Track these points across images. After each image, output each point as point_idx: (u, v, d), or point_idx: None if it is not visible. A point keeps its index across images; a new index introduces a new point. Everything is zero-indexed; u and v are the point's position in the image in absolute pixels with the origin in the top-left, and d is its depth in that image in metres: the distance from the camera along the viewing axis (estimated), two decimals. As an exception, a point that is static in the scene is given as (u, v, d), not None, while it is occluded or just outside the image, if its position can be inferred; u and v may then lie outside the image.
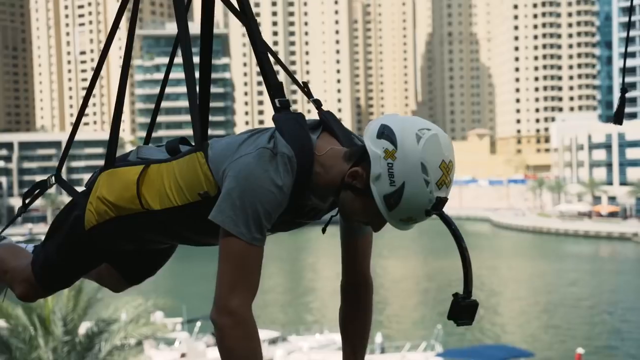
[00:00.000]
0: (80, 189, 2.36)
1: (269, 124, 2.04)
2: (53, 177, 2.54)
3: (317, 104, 2.26)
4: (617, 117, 2.38)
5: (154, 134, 2.60)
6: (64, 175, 2.46)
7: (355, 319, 2.37)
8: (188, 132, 2.24)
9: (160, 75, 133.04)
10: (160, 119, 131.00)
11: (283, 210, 2.02)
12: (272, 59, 2.24)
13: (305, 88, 2.32)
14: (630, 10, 2.52)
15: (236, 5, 2.30)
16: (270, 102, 2.19)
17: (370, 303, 2.38)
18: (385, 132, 1.95)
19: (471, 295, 2.00)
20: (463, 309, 1.99)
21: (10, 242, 2.79)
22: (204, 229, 2.09)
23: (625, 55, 2.36)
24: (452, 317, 1.99)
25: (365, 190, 1.98)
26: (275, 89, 2.17)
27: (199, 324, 33.48)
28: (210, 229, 2.01)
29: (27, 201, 2.55)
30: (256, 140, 2.03)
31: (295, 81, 2.37)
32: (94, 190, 2.32)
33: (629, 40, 2.42)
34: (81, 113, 2.58)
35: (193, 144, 2.19)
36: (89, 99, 2.60)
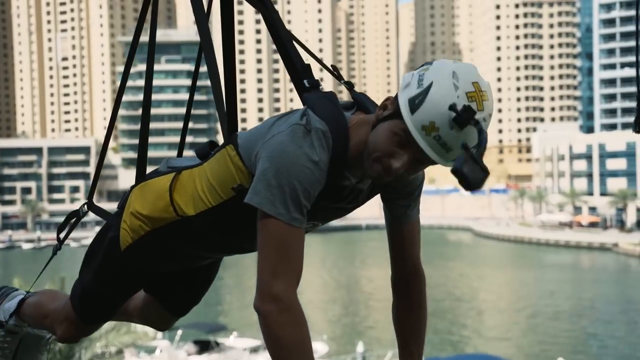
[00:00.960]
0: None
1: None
2: (85, 206, 2.47)
3: (350, 85, 2.21)
4: (637, 125, 2.31)
5: (135, 141, 2.52)
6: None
7: (410, 313, 2.26)
8: (170, 139, 2.23)
9: (143, 82, 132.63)
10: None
11: (322, 188, 1.91)
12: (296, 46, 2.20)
13: (335, 71, 2.24)
14: (637, 20, 2.39)
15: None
16: (295, 88, 2.12)
17: (424, 295, 2.28)
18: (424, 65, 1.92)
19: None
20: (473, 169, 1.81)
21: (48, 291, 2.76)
22: (243, 227, 2.03)
23: (638, 64, 2.30)
24: (467, 187, 1.83)
25: (392, 113, 1.89)
26: (303, 70, 2.10)
27: (180, 332, 33.31)
28: (250, 225, 1.93)
29: (61, 236, 2.48)
30: (288, 119, 1.94)
31: (324, 65, 2.26)
32: (126, 207, 2.27)
33: (623, 51, 2.39)
34: (109, 132, 2.54)
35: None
36: (117, 112, 2.56)
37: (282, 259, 1.83)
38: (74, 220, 2.47)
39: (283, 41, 2.17)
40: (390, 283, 2.31)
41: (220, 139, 2.13)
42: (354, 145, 1.94)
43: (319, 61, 2.28)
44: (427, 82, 1.83)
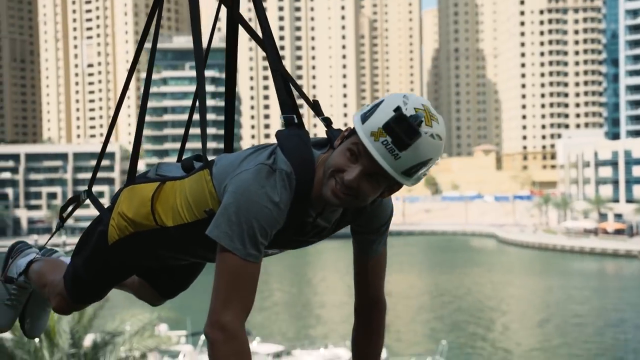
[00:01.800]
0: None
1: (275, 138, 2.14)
2: (85, 193, 2.63)
3: (327, 122, 2.22)
4: None
5: (160, 147, 2.62)
6: (70, 187, 2.63)
7: (367, 340, 2.35)
8: (195, 145, 2.33)
9: (167, 89, 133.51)
10: (167, 131, 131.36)
11: (281, 227, 2.00)
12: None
13: (315, 106, 2.26)
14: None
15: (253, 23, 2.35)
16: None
17: (382, 325, 2.36)
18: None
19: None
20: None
21: (59, 253, 2.94)
22: (212, 246, 2.07)
23: None
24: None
25: (348, 135, 1.97)
26: (282, 105, 2.17)
27: (203, 337, 33.45)
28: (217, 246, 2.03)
29: (64, 215, 2.68)
30: (257, 157, 2.04)
31: (305, 99, 2.31)
32: (116, 206, 2.40)
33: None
34: (111, 129, 2.69)
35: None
36: (118, 114, 2.69)
37: (234, 291, 1.94)
38: (74, 203, 2.67)
39: (272, 72, 2.23)
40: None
41: (243, 145, 2.26)
42: (317, 183, 2.01)
43: (302, 94, 2.30)
44: (379, 100, 1.94)
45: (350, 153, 1.93)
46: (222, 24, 2.39)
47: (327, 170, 1.97)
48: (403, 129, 1.86)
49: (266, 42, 2.26)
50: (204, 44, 2.41)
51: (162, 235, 2.26)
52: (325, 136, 2.16)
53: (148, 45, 2.64)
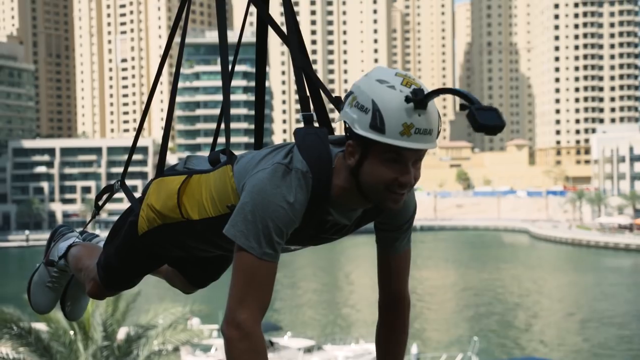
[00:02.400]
0: (118, 195, 2.68)
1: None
2: (118, 182, 2.72)
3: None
4: None
5: (192, 141, 2.70)
6: (104, 181, 2.68)
7: (391, 337, 2.37)
8: (225, 139, 2.36)
9: (199, 83, 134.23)
10: (199, 126, 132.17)
11: (298, 226, 2.03)
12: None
13: (337, 103, 2.21)
14: None
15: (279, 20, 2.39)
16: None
17: (406, 322, 2.38)
18: (345, 98, 2.02)
19: (480, 103, 1.84)
20: (482, 115, 1.82)
21: (99, 238, 3.06)
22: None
23: None
24: (478, 128, 1.82)
25: (364, 151, 1.96)
26: (301, 102, 2.19)
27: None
28: None
29: (100, 203, 2.79)
30: (275, 156, 2.06)
31: (328, 95, 2.32)
32: (145, 197, 2.45)
33: None
34: (142, 121, 2.76)
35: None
36: (149, 108, 2.73)
37: (250, 289, 1.96)
38: (108, 193, 2.79)
39: (295, 70, 2.25)
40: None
41: (275, 140, 2.28)
42: (337, 186, 2.03)
43: (325, 90, 2.31)
44: (368, 104, 1.92)
45: (388, 162, 1.94)
46: (254, 18, 2.52)
47: (378, 188, 1.97)
48: (422, 113, 1.91)
49: (291, 40, 2.27)
50: (234, 40, 2.51)
51: (188, 228, 2.30)
52: (344, 134, 2.13)
53: (179, 39, 2.75)
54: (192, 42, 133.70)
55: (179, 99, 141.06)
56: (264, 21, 2.48)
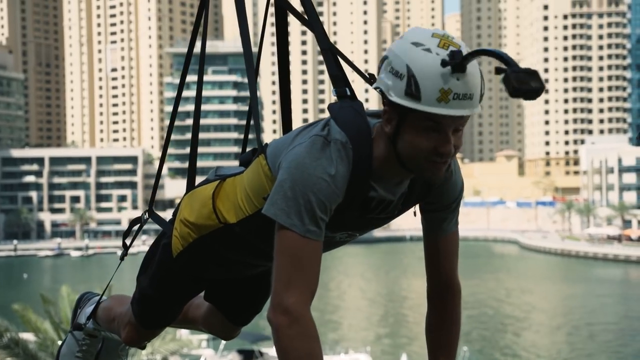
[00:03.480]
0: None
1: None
2: (146, 213, 2.56)
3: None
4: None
5: (182, 151, 2.62)
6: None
7: (442, 328, 2.26)
8: (216, 149, 2.36)
9: (190, 93, 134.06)
10: (189, 135, 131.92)
11: (343, 203, 1.93)
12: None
13: (372, 79, 2.13)
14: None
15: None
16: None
17: (458, 309, 2.28)
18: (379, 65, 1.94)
19: (517, 65, 1.71)
20: (520, 77, 1.69)
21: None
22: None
23: None
24: (516, 93, 1.70)
25: (401, 119, 1.88)
26: (334, 79, 2.10)
27: (223, 341, 33.53)
28: None
29: (128, 242, 2.59)
30: (310, 130, 1.97)
31: (358, 72, 2.29)
32: (177, 215, 2.33)
33: None
34: (167, 142, 2.64)
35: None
36: (173, 124, 2.64)
37: (296, 271, 1.84)
38: (137, 226, 2.59)
39: (323, 50, 2.18)
40: (425, 294, 2.30)
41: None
42: (377, 158, 1.94)
43: (356, 69, 2.29)
44: (403, 69, 1.84)
45: (427, 130, 1.86)
46: (257, 20, 2.45)
47: (418, 158, 1.89)
48: (461, 76, 1.81)
49: (315, 24, 2.21)
50: (234, 49, 2.43)
51: (226, 235, 2.18)
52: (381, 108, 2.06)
53: (173, 50, 2.65)
54: (183, 51, 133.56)
55: (169, 108, 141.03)
56: (283, 9, 2.38)
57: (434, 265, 2.23)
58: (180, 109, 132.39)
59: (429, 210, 2.16)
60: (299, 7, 2.38)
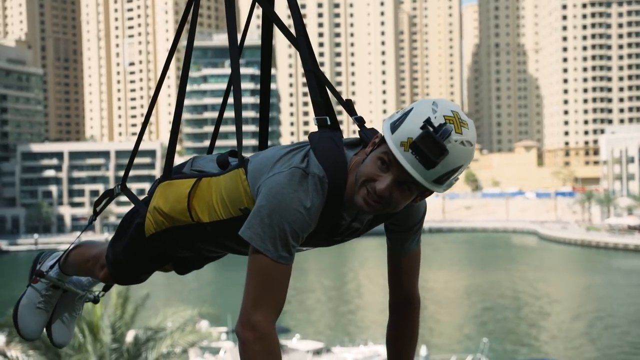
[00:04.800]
0: (126, 198, 2.66)
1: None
2: (119, 187, 2.68)
3: (360, 121, 2.23)
4: None
5: (200, 144, 2.64)
6: (112, 185, 2.66)
7: (402, 337, 2.39)
8: (234, 142, 2.39)
9: (207, 86, 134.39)
10: (206, 129, 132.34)
11: (314, 229, 2.04)
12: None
13: (348, 105, 2.27)
14: None
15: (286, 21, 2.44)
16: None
17: (416, 322, 2.40)
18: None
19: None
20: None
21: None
22: (247, 242, 2.12)
23: None
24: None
25: (378, 143, 2.01)
26: (316, 105, 2.19)
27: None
28: None
29: (97, 209, 2.74)
30: (291, 159, 2.05)
31: (338, 97, 2.34)
32: (152, 200, 2.45)
33: None
34: (145, 124, 2.72)
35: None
36: (151, 111, 2.73)
37: (265, 291, 1.97)
38: (108, 197, 2.74)
39: (306, 72, 2.25)
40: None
41: (283, 142, 2.29)
42: (349, 187, 2.04)
43: (335, 94, 2.34)
44: (408, 108, 1.97)
45: (381, 162, 1.97)
46: (260, 21, 2.51)
47: (359, 179, 2.00)
48: (430, 147, 1.89)
49: (299, 42, 2.27)
50: (239, 40, 2.42)
51: (197, 230, 2.30)
52: (357, 136, 2.17)
53: (185, 42, 2.71)
54: (199, 45, 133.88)
55: (186, 102, 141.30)
56: (270, 21, 2.47)
57: (396, 281, 2.36)
58: (198, 102, 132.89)
59: (393, 231, 2.29)
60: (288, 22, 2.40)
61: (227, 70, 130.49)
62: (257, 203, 2.01)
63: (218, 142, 2.82)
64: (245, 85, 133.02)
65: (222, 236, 2.26)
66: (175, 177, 2.41)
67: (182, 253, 2.49)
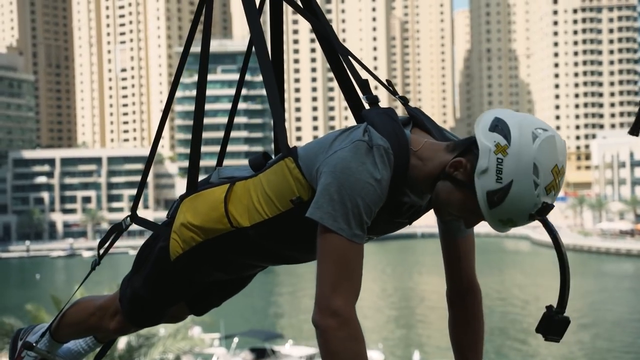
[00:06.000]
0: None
1: (306, 137, 2.06)
2: (129, 218, 2.45)
3: (404, 100, 2.21)
4: (634, 128, 2.27)
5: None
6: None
7: (467, 329, 2.27)
8: (227, 148, 2.27)
9: (206, 92, 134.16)
10: (203, 135, 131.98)
11: (382, 206, 1.94)
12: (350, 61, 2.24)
13: (390, 86, 2.24)
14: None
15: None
16: (348, 104, 2.28)
17: (480, 310, 2.29)
18: (499, 126, 1.86)
19: (565, 310, 1.93)
20: (554, 324, 1.95)
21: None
22: (297, 242, 2.06)
23: None
24: (541, 331, 1.93)
25: (466, 183, 1.89)
26: (361, 86, 2.14)
27: (236, 339, 33.58)
28: (306, 238, 1.98)
29: (101, 251, 2.50)
30: (349, 135, 1.95)
31: (379, 80, 2.29)
32: (177, 218, 2.26)
33: None
34: (156, 142, 2.51)
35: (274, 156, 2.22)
36: (164, 123, 2.53)
37: (342, 274, 1.85)
38: (116, 233, 2.45)
39: (337, 55, 2.23)
40: (445, 296, 2.33)
41: (304, 138, 2.22)
42: (415, 167, 1.96)
43: (374, 76, 2.27)
44: (507, 178, 1.83)
45: (470, 211, 1.94)
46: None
47: (447, 209, 1.97)
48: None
49: (329, 30, 2.24)
50: (238, 48, 2.38)
51: (236, 238, 2.14)
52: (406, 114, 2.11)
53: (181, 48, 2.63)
54: (192, 51, 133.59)
55: (180, 108, 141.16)
56: (279, 12, 2.44)
57: (455, 268, 2.25)
58: (190, 108, 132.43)
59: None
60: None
61: (220, 76, 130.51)
62: (321, 183, 1.89)
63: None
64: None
65: (267, 238, 2.10)
66: (202, 188, 2.24)
67: (211, 275, 2.30)
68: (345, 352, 1.81)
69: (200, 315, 2.52)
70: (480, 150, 1.86)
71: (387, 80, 2.25)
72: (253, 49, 2.27)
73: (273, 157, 2.17)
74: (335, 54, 2.24)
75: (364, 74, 2.21)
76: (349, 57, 2.20)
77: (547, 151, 1.83)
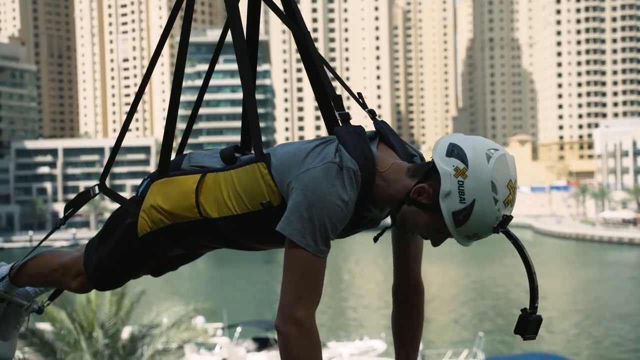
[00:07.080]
0: (121, 195, 2.47)
1: (309, 131, 2.10)
2: (97, 187, 2.54)
3: (372, 114, 2.27)
4: None
5: (194, 140, 2.57)
6: (107, 181, 2.52)
7: (409, 325, 2.43)
8: (229, 138, 2.30)
9: (201, 82, 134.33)
10: (201, 125, 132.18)
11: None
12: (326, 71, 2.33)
13: (360, 99, 2.33)
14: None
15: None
16: (322, 115, 2.37)
17: (421, 308, 2.44)
18: (455, 151, 2.01)
19: (537, 310, 2.10)
20: (529, 324, 2.08)
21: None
22: (261, 237, 2.19)
23: None
24: (518, 332, 2.06)
25: (431, 206, 2.04)
26: (334, 101, 2.23)
27: (239, 329, 33.63)
28: (268, 237, 2.15)
29: (67, 214, 2.57)
30: (322, 153, 2.07)
31: (350, 92, 2.39)
32: (146, 198, 2.34)
33: None
34: (127, 122, 2.54)
35: (247, 152, 2.34)
36: (136, 107, 2.58)
37: (306, 286, 2.01)
38: (83, 199, 2.55)
39: (314, 65, 2.29)
40: (391, 291, 2.48)
41: (277, 138, 2.25)
42: (380, 187, 2.10)
43: (347, 88, 2.40)
44: (470, 198, 1.99)
45: (437, 231, 2.08)
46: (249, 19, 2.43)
47: (415, 230, 2.12)
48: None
49: (307, 38, 2.31)
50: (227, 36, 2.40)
51: (204, 226, 2.25)
52: (373, 129, 2.21)
53: (178, 38, 2.66)
54: (193, 40, 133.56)
55: (181, 98, 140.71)
56: (257, 16, 2.50)
57: (402, 268, 2.41)
58: (192, 98, 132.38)
59: None
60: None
61: (221, 66, 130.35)
62: (293, 199, 2.02)
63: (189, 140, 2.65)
64: (235, 81, 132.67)
65: (234, 231, 2.22)
66: (174, 174, 2.32)
67: (174, 251, 2.42)
68: (303, 358, 1.99)
69: (158, 276, 2.57)
70: (441, 175, 2.00)
71: (358, 93, 2.32)
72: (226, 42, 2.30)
73: (245, 152, 2.28)
74: (312, 63, 2.31)
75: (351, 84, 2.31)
76: (324, 66, 2.29)
77: (501, 169, 1.99)
